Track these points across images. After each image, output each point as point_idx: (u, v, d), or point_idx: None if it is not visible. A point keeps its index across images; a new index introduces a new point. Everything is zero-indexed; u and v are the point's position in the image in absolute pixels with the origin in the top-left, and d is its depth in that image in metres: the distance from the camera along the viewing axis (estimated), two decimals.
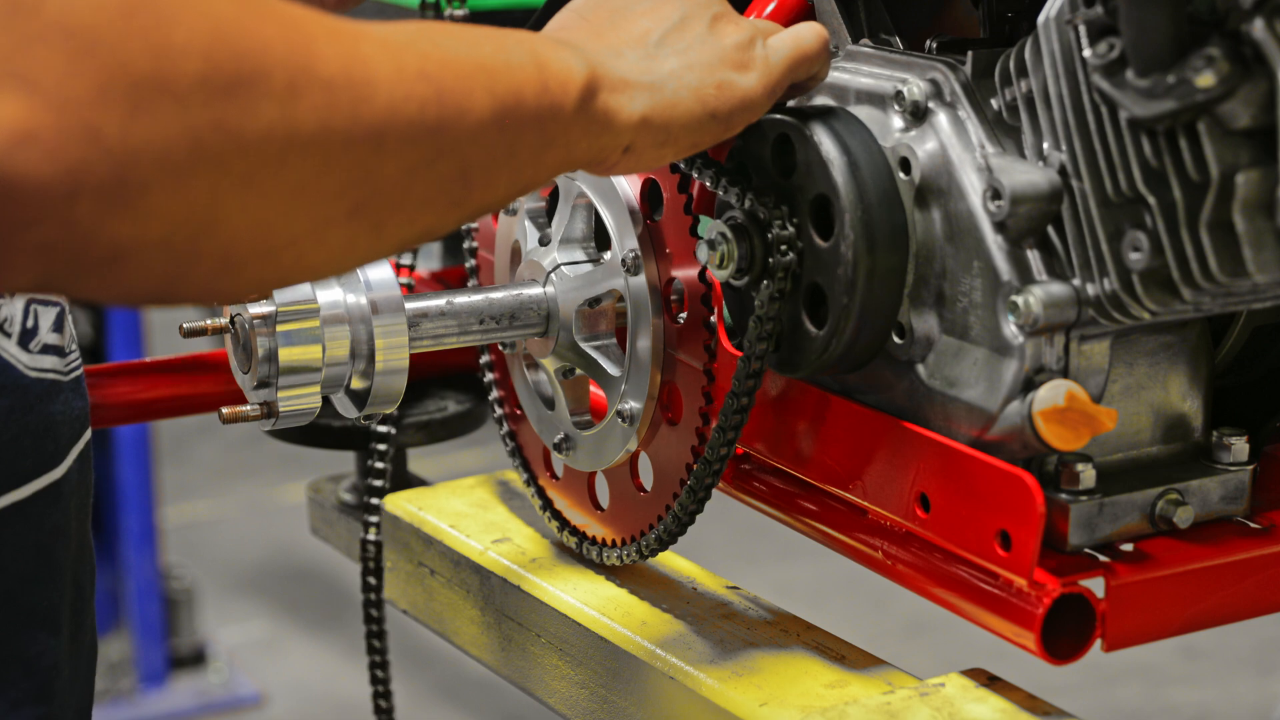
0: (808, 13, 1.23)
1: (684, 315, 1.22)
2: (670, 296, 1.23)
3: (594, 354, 1.27)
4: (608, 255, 1.26)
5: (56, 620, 1.18)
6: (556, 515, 1.38)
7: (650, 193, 1.23)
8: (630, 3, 1.07)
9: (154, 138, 0.74)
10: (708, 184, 1.17)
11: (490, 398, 1.43)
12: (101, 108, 0.72)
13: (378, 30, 0.86)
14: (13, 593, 1.14)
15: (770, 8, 1.25)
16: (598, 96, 1.00)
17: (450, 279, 1.74)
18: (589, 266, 1.28)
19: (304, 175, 0.81)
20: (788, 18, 1.25)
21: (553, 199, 1.32)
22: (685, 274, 1.21)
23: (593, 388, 1.34)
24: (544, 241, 1.32)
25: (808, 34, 1.12)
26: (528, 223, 1.33)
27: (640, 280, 1.23)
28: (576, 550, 1.36)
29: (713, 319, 1.20)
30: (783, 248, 1.13)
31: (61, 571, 1.19)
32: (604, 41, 1.04)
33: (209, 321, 1.21)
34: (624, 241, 1.23)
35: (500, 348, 1.40)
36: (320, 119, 0.80)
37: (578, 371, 1.32)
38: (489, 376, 1.43)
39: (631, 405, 1.25)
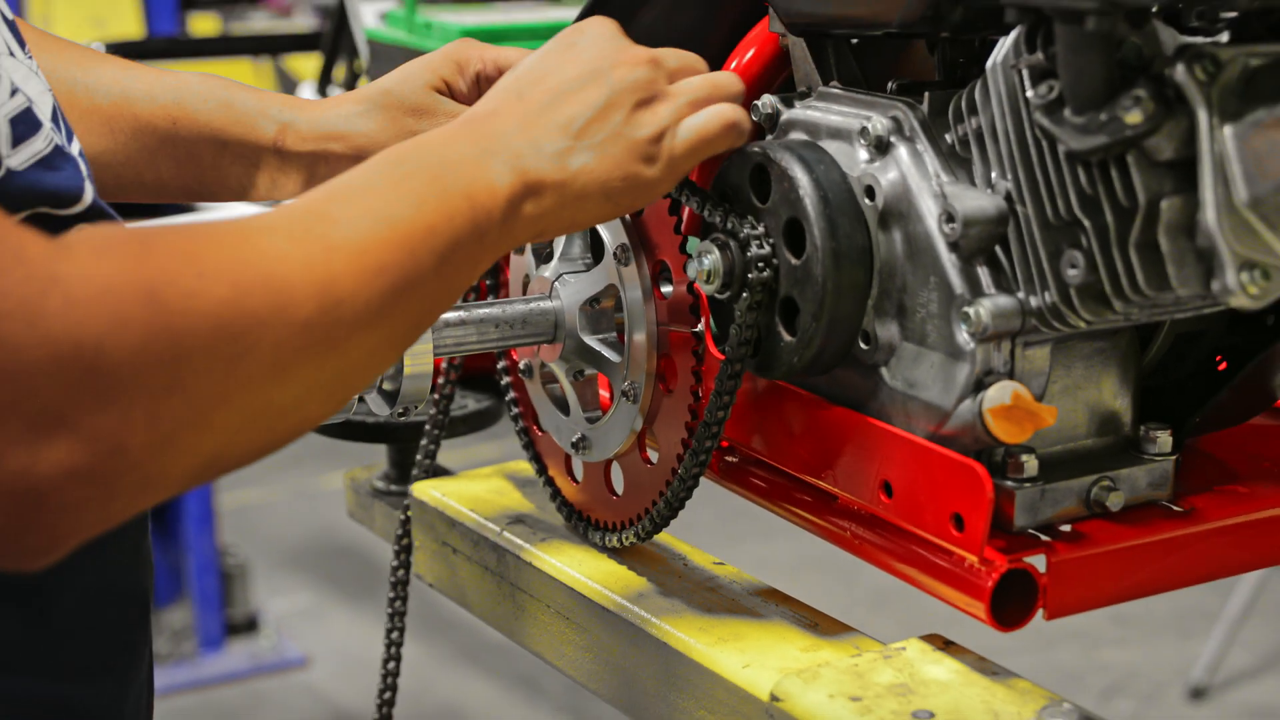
0: (783, 60, 1.23)
1: (670, 290, 1.21)
2: (658, 277, 1.22)
3: (598, 346, 1.27)
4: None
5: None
6: (566, 505, 1.37)
7: None
8: (564, 84, 1.04)
9: (169, 433, 0.77)
10: (694, 208, 1.17)
11: (513, 413, 1.42)
12: (128, 429, 0.75)
13: (346, 230, 0.87)
14: (146, 586, 1.15)
15: (749, 55, 1.24)
16: (518, 206, 0.99)
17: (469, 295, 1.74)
18: (587, 272, 1.28)
19: (291, 399, 0.84)
20: (765, 64, 1.24)
21: None
22: (668, 257, 1.21)
23: (601, 390, 1.34)
24: (547, 260, 1.32)
25: (714, 121, 1.08)
26: (531, 257, 1.33)
27: (631, 269, 1.22)
28: (592, 542, 1.35)
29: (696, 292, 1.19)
30: (760, 265, 1.13)
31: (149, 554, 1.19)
32: (529, 135, 1.01)
33: None
34: (614, 238, 1.23)
35: (520, 376, 1.39)
36: (301, 355, 0.83)
37: (587, 372, 1.31)
38: (510, 394, 1.42)
39: (633, 383, 1.24)
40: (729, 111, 1.08)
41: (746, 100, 1.23)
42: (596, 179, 1.03)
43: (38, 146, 0.93)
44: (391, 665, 1.53)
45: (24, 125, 0.92)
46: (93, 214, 0.97)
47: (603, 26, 1.09)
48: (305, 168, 1.23)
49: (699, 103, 1.08)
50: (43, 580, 0.93)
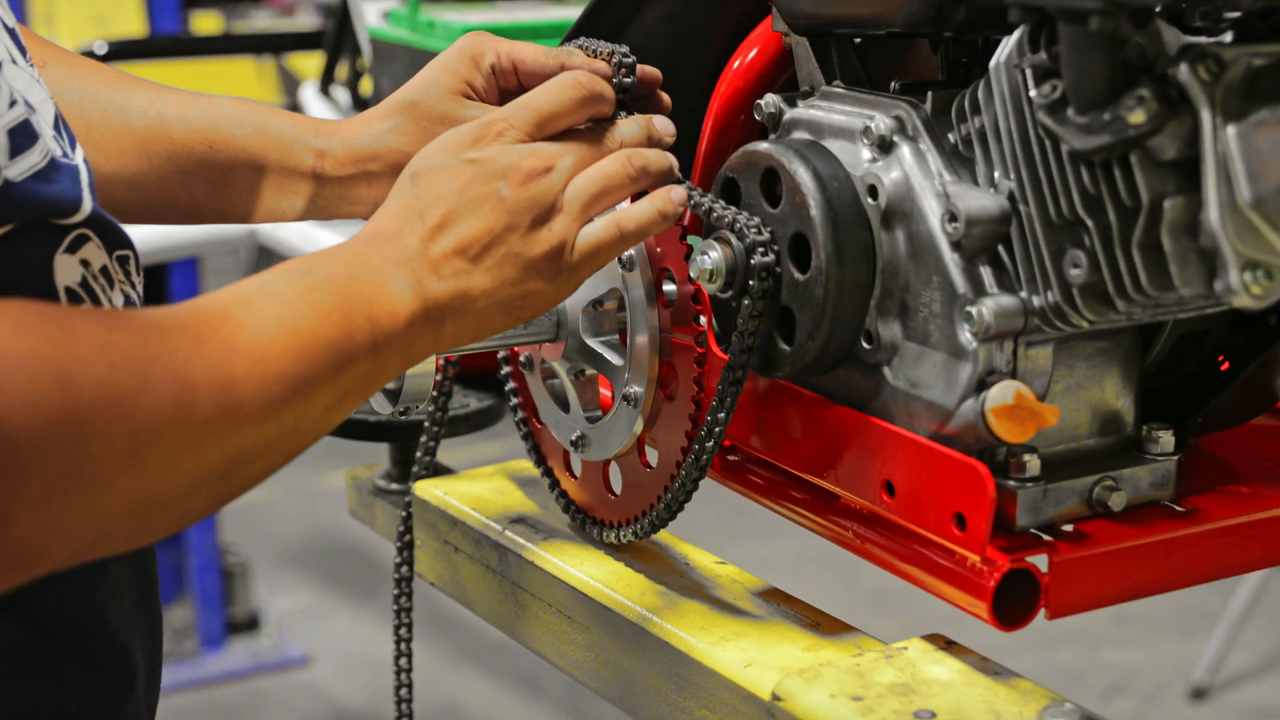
0: (786, 59, 1.23)
1: (673, 288, 1.21)
2: (661, 284, 1.22)
3: (600, 349, 1.26)
4: None
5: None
6: (563, 497, 1.37)
7: (637, 198, 1.22)
8: (460, 206, 1.05)
9: (57, 517, 0.78)
10: (699, 212, 1.17)
11: (512, 403, 1.42)
12: (15, 506, 0.76)
13: (251, 334, 0.89)
14: (150, 560, 1.16)
15: (753, 53, 1.24)
16: (417, 328, 1.01)
17: None
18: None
19: (181, 490, 0.86)
20: (768, 63, 1.24)
21: None
22: (672, 263, 1.20)
23: (603, 389, 1.33)
24: None
25: (609, 231, 1.08)
26: None
27: (635, 274, 1.22)
28: (591, 536, 1.35)
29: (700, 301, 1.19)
30: (763, 274, 1.12)
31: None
32: (429, 256, 1.03)
33: None
34: None
35: (520, 369, 1.39)
36: (196, 452, 0.85)
37: (588, 372, 1.31)
38: (510, 385, 1.42)
39: (635, 389, 1.24)
40: (623, 219, 1.09)
41: (749, 100, 1.23)
42: (496, 301, 1.05)
43: (34, 160, 0.93)
44: (404, 661, 1.53)
45: (22, 137, 0.92)
46: (93, 223, 0.97)
47: (502, 136, 1.08)
48: (346, 190, 1.24)
49: (593, 203, 1.08)
50: (45, 590, 0.93)
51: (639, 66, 1.16)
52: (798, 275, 1.12)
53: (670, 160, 1.12)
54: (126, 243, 1.01)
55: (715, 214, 1.15)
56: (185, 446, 0.84)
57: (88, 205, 0.96)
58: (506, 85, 1.21)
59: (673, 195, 1.11)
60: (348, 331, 0.95)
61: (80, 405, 0.78)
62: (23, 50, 0.99)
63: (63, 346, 0.79)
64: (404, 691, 1.53)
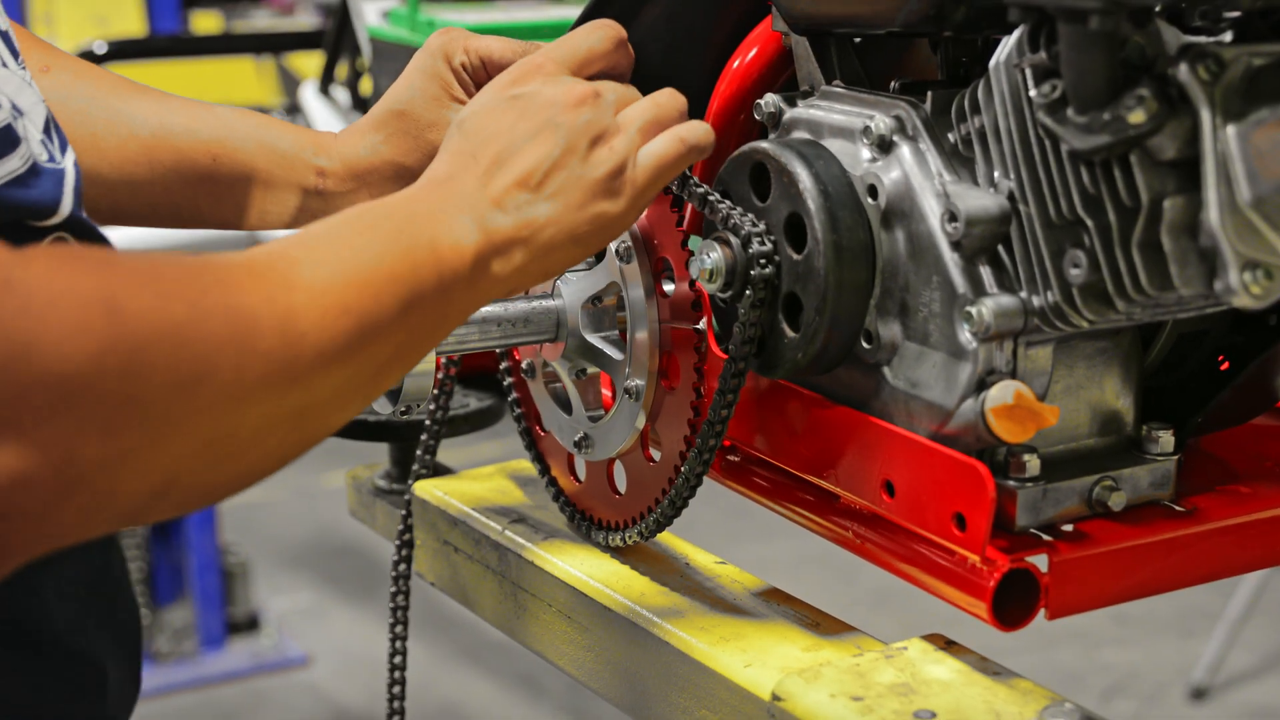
0: (785, 59, 1.23)
1: (672, 286, 1.21)
2: (660, 275, 1.22)
3: (600, 344, 1.26)
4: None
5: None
6: (569, 505, 1.37)
7: None
8: (515, 140, 1.03)
9: (123, 449, 0.76)
10: (696, 206, 1.17)
11: (516, 413, 1.42)
12: (80, 439, 0.74)
13: (309, 271, 0.87)
14: (113, 563, 1.15)
15: (753, 53, 1.24)
16: (486, 264, 0.99)
17: None
18: (589, 270, 1.28)
19: (250, 430, 0.83)
20: (767, 63, 1.24)
21: None
22: (670, 254, 1.20)
23: (604, 389, 1.33)
24: None
25: (672, 144, 1.08)
26: None
27: (633, 266, 1.22)
28: (596, 541, 1.35)
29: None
30: (762, 262, 1.12)
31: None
32: (490, 193, 1.01)
33: None
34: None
35: (522, 376, 1.39)
36: (262, 385, 0.82)
37: (589, 371, 1.31)
38: (513, 395, 1.42)
39: (636, 382, 1.24)
40: (684, 131, 1.09)
41: (748, 100, 1.23)
42: (564, 228, 1.03)
43: (13, 165, 0.93)
44: (398, 660, 1.53)
45: (3, 142, 0.92)
46: (71, 224, 0.97)
47: (541, 70, 1.08)
48: (347, 202, 1.26)
49: (649, 127, 1.08)
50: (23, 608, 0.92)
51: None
52: (795, 256, 1.12)
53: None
54: (105, 246, 1.01)
55: (711, 206, 1.15)
56: (250, 380, 0.81)
57: (66, 208, 0.96)
58: (480, 80, 1.22)
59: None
60: (412, 267, 0.93)
61: (130, 333, 0.75)
62: (15, 53, 0.99)
63: (106, 277, 0.76)
64: (397, 689, 1.53)
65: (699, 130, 1.09)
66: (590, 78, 1.11)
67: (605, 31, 1.13)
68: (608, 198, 1.05)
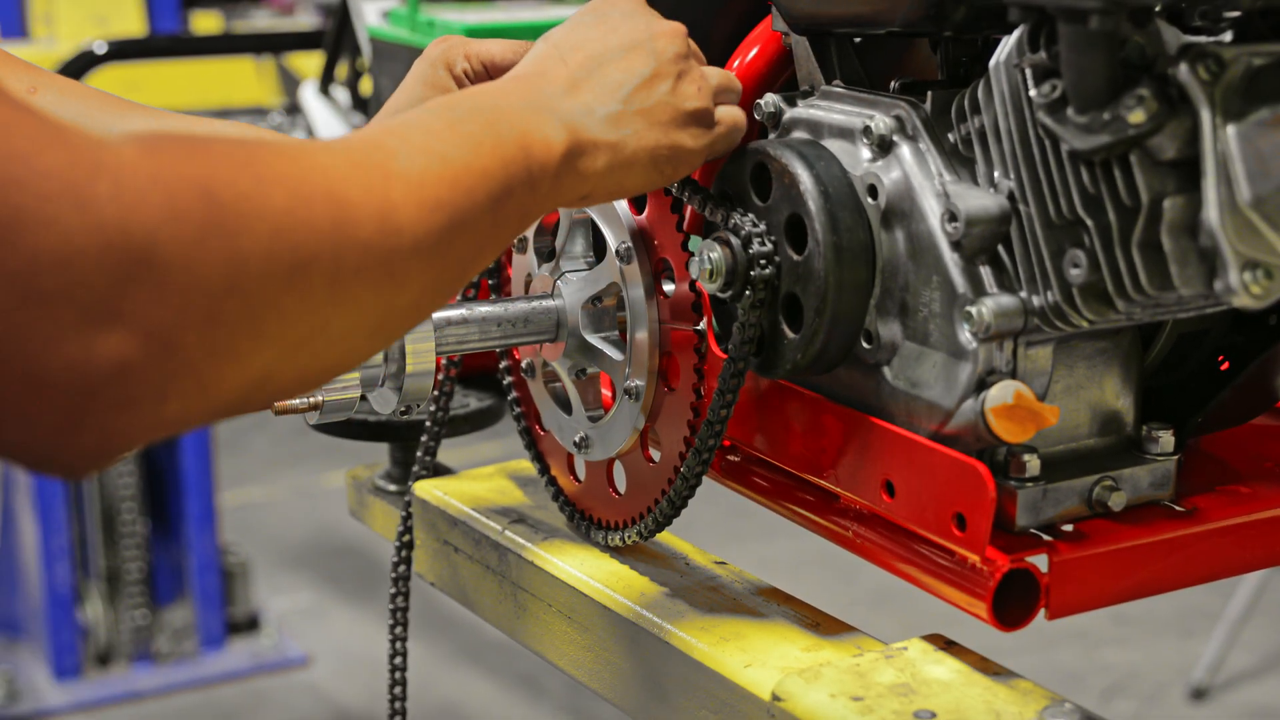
0: (785, 59, 1.23)
1: (672, 287, 1.21)
2: (660, 275, 1.22)
3: (600, 344, 1.26)
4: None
5: None
6: (568, 504, 1.37)
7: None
8: (606, 51, 1.05)
9: (225, 338, 0.74)
10: (696, 207, 1.17)
11: (515, 412, 1.42)
12: (181, 327, 0.72)
13: (404, 163, 0.86)
14: None
15: (753, 53, 1.24)
16: (572, 162, 0.99)
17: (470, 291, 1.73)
18: (589, 271, 1.28)
19: (345, 325, 0.82)
20: (768, 63, 1.24)
21: (555, 227, 1.32)
22: (670, 255, 1.20)
23: (604, 389, 1.33)
24: (549, 258, 1.32)
25: (740, 115, 1.12)
26: (534, 256, 1.33)
27: (633, 266, 1.22)
28: (595, 541, 1.35)
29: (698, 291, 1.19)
30: (762, 262, 1.13)
31: None
32: (579, 98, 1.02)
33: None
34: (616, 236, 1.23)
35: (522, 376, 1.39)
36: (358, 276, 0.81)
37: (589, 371, 1.31)
38: (513, 394, 1.42)
39: (636, 383, 1.24)
40: (740, 114, 1.12)
41: (748, 100, 1.23)
42: (645, 145, 1.04)
43: None
44: (399, 660, 1.53)
45: None
46: None
47: (617, 4, 1.09)
48: None
49: (723, 90, 1.11)
50: None
51: None
52: (795, 256, 1.12)
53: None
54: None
55: (710, 211, 1.15)
56: (349, 269, 0.80)
57: None
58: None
59: None
60: (502, 161, 0.93)
61: (229, 219, 0.73)
62: None
63: (201, 162, 0.74)
64: (398, 690, 1.53)
65: (744, 118, 1.12)
66: None
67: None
68: (690, 130, 1.06)
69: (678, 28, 1.09)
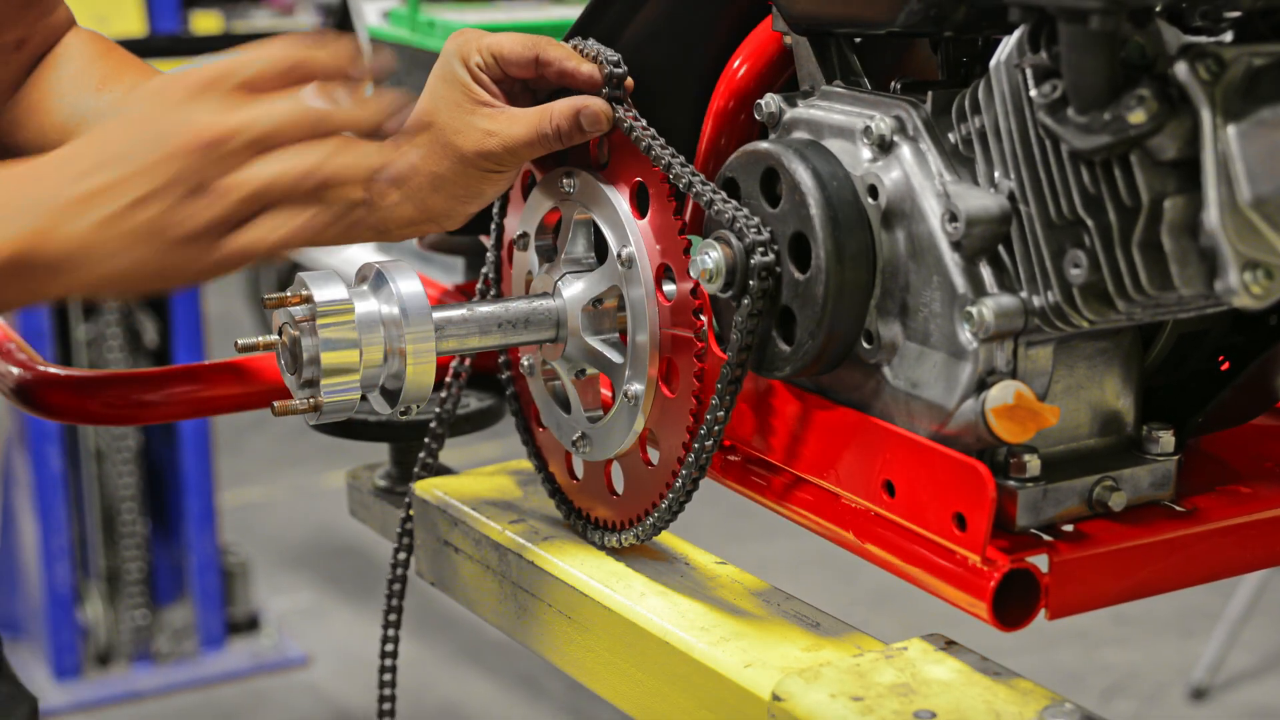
0: (786, 59, 1.23)
1: (673, 290, 1.21)
2: (661, 281, 1.22)
3: (600, 347, 1.26)
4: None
5: None
6: (565, 503, 1.37)
7: (638, 197, 1.23)
8: (108, 159, 1.01)
9: None
10: (702, 205, 1.17)
11: (514, 408, 1.42)
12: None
13: None
14: None
15: (752, 54, 1.24)
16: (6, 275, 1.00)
17: (471, 291, 1.73)
18: (591, 272, 1.28)
19: None
20: (768, 63, 1.24)
21: (557, 226, 1.32)
22: (672, 259, 1.20)
23: (603, 389, 1.33)
24: (550, 259, 1.31)
25: (261, 243, 1.04)
26: (535, 255, 1.33)
27: (635, 271, 1.22)
28: (594, 542, 1.35)
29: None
30: (763, 274, 1.12)
31: None
32: (55, 205, 1.01)
33: (260, 339, 1.20)
34: (618, 240, 1.23)
35: (521, 374, 1.39)
36: None
37: (589, 371, 1.31)
38: (511, 390, 1.42)
39: (635, 387, 1.24)
40: (287, 221, 1.03)
41: (749, 100, 1.23)
42: (117, 268, 1.01)
43: None
44: (389, 662, 1.53)
45: None
46: None
47: (186, 91, 1.03)
48: (393, 215, 1.26)
49: (253, 199, 1.02)
50: None
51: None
52: (798, 275, 1.12)
53: (375, 162, 1.05)
54: None
55: (716, 208, 1.15)
56: None
57: None
58: (495, 78, 1.23)
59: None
60: None
61: None
62: None
63: None
64: (388, 691, 1.53)
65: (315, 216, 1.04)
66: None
67: (283, 50, 1.05)
68: (184, 253, 1.02)
69: (204, 134, 1.00)
